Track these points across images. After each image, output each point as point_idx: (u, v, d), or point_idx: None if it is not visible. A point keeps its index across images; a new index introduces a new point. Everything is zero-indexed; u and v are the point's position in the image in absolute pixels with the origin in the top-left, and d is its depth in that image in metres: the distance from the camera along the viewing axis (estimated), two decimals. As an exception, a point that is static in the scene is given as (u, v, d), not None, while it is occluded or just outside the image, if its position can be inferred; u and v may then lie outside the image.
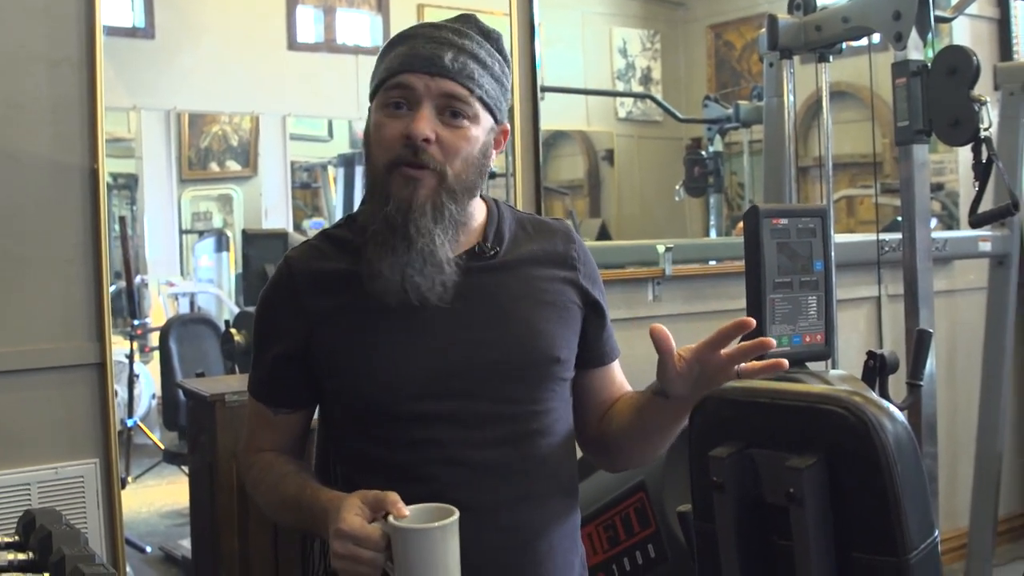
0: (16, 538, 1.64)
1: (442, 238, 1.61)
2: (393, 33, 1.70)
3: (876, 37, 3.13)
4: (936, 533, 1.21)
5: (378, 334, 1.64)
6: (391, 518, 1.42)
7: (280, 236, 4.24)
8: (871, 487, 1.19)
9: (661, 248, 3.55)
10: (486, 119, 1.65)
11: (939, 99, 2.85)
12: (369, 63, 1.73)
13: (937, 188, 4.77)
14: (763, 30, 3.30)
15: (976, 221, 2.84)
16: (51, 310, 2.59)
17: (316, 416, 1.84)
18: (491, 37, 1.69)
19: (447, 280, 1.62)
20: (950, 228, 4.64)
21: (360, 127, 4.39)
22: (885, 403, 1.23)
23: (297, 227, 4.84)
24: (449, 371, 1.64)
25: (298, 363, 1.69)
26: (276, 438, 1.78)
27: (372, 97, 1.67)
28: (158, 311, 4.80)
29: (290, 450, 1.79)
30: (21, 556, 1.56)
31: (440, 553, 1.39)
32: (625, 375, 1.90)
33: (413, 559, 1.39)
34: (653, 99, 5.03)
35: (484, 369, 1.65)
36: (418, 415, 1.63)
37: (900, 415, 1.21)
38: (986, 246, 4.09)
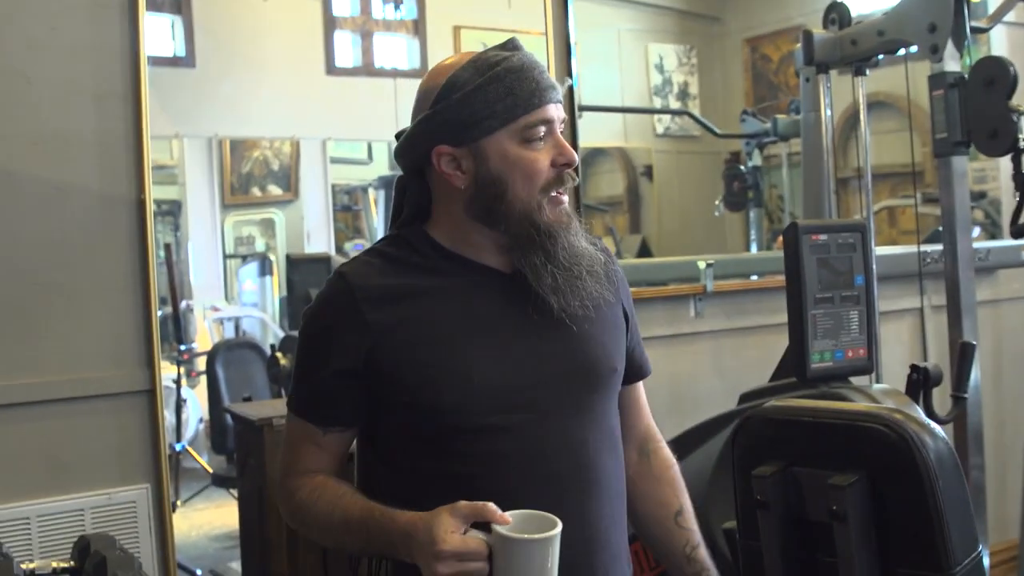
0: (72, 563, 1.68)
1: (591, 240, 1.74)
2: (431, 56, 1.73)
3: (913, 48, 3.13)
4: (980, 548, 1.21)
5: (452, 348, 1.65)
6: (495, 527, 1.41)
7: (323, 260, 4.28)
8: (913, 503, 1.19)
9: (702, 264, 3.55)
10: None
11: (977, 110, 2.84)
12: (407, 85, 1.74)
13: (979, 196, 4.74)
14: (799, 45, 3.30)
15: (1017, 231, 2.82)
16: (101, 339, 2.63)
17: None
18: None
19: (608, 277, 1.74)
20: (994, 236, 4.61)
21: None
22: (926, 419, 1.23)
23: (339, 250, 4.86)
24: (519, 384, 1.66)
25: (356, 379, 1.67)
26: (324, 459, 1.74)
27: (488, 132, 1.65)
28: (204, 336, 4.84)
29: (336, 472, 1.76)
30: (78, 582, 1.59)
31: (545, 562, 1.39)
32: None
33: (518, 568, 1.39)
34: (691, 115, 5.03)
35: (552, 380, 1.68)
36: (489, 428, 1.64)
37: (941, 431, 1.22)
38: (1030, 255, 4.06)
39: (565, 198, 1.69)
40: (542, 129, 1.65)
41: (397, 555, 1.57)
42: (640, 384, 1.95)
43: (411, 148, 1.71)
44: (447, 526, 1.44)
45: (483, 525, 1.45)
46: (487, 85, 1.63)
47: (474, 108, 1.64)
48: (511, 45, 1.70)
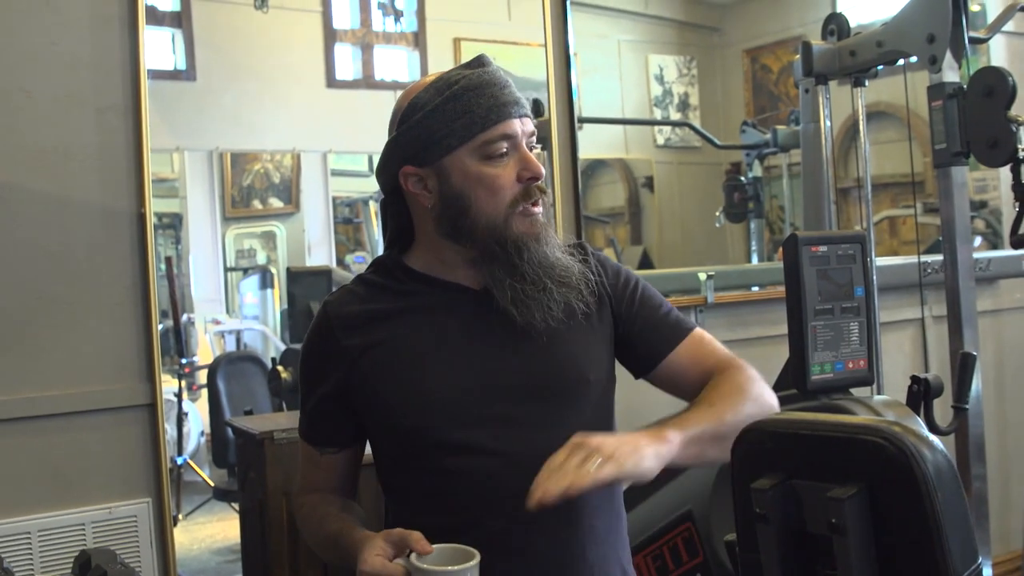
0: (73, 579, 1.68)
1: (565, 250, 1.76)
2: (431, 68, 1.75)
3: (912, 58, 3.13)
4: (980, 560, 1.20)
5: (415, 367, 1.70)
6: (414, 556, 1.46)
7: (324, 273, 4.28)
8: (912, 516, 1.19)
9: (703, 276, 3.55)
10: None
11: (976, 120, 2.84)
12: (409, 98, 1.75)
13: (980, 206, 4.74)
14: (798, 56, 3.31)
15: (1017, 242, 2.82)
16: (102, 352, 2.64)
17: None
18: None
19: (584, 284, 1.74)
20: (994, 247, 4.61)
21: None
22: (925, 432, 1.23)
23: (340, 262, 4.87)
24: (480, 399, 1.68)
25: (340, 402, 1.76)
26: (325, 477, 1.84)
27: (448, 151, 1.67)
28: (205, 349, 4.84)
29: (340, 489, 1.84)
30: (78, 597, 1.59)
31: None
32: (669, 402, 1.88)
33: None
34: (691, 126, 5.04)
35: (516, 394, 1.70)
36: (453, 444, 1.67)
37: (940, 444, 1.21)
38: (1031, 265, 4.06)
39: (537, 210, 1.70)
40: (504, 145, 1.67)
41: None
42: (681, 351, 1.83)
43: (383, 169, 1.77)
44: (375, 549, 1.51)
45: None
46: (444, 104, 1.66)
47: (433, 128, 1.67)
48: (477, 63, 1.72)
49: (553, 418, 1.71)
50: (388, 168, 1.74)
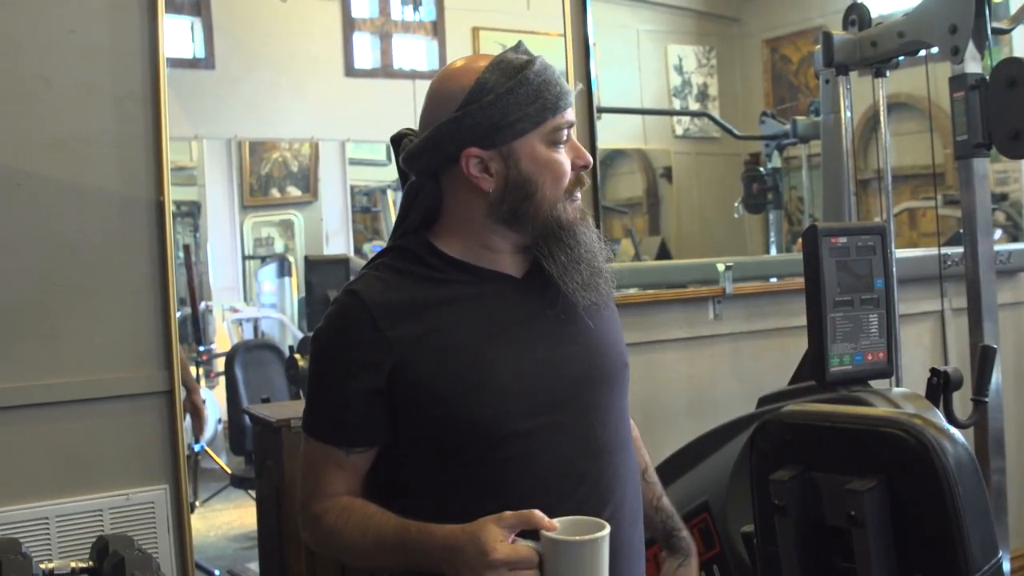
0: (90, 563, 1.68)
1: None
2: (450, 58, 1.74)
3: (934, 49, 3.11)
4: (1000, 554, 1.20)
5: (477, 357, 1.65)
6: (543, 533, 1.41)
7: (341, 261, 4.29)
8: (932, 508, 1.18)
9: (721, 266, 3.54)
10: None
11: (999, 112, 2.82)
12: (426, 87, 1.74)
13: (1001, 198, 4.71)
14: (818, 46, 3.29)
15: (1039, 234, 2.80)
16: (120, 340, 2.65)
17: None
18: None
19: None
20: (1015, 239, 4.58)
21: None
22: (945, 424, 1.22)
23: (358, 251, 4.88)
24: (544, 387, 1.66)
25: (380, 397, 1.66)
26: (348, 480, 1.71)
27: (520, 134, 1.66)
28: (222, 337, 4.86)
29: (359, 493, 1.73)
30: (95, 583, 1.59)
31: (592, 566, 1.39)
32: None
33: (570, 573, 1.39)
34: (710, 117, 5.02)
35: (573, 381, 1.69)
36: (520, 433, 1.64)
37: (960, 436, 1.21)
38: (1052, 257, 4.03)
39: (579, 197, 1.73)
40: (566, 132, 1.68)
41: (436, 570, 1.54)
42: None
43: (434, 151, 1.69)
44: (495, 535, 1.44)
45: (529, 534, 1.45)
46: (517, 88, 1.64)
47: (506, 110, 1.64)
48: (523, 48, 1.72)
49: (607, 403, 1.73)
50: (443, 149, 1.68)
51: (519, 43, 1.73)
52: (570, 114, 1.69)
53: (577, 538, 1.38)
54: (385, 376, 1.64)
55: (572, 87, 1.71)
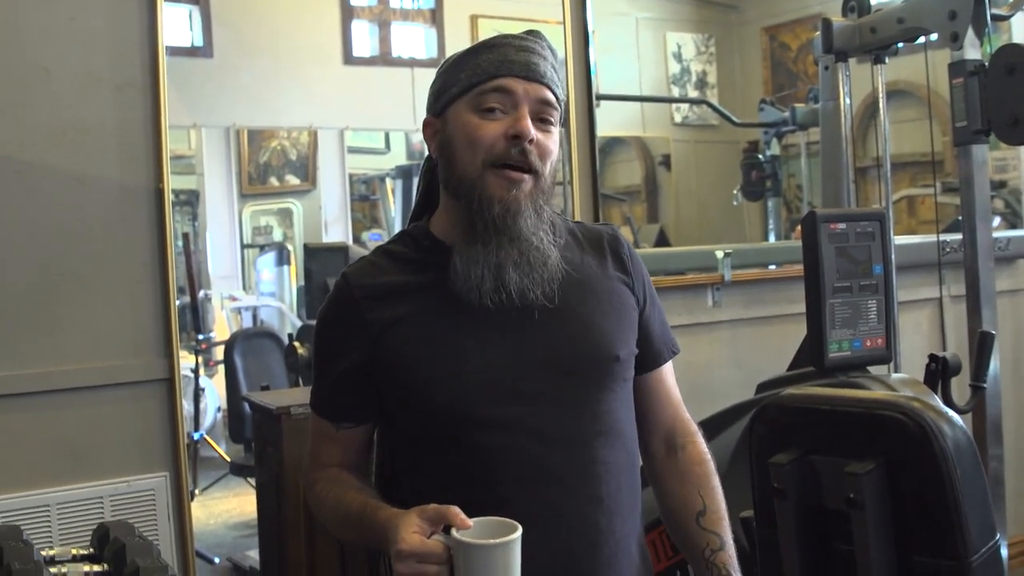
0: (91, 550, 1.68)
1: (550, 238, 1.66)
2: (448, 45, 1.75)
3: (933, 35, 3.11)
4: (998, 537, 1.20)
5: (445, 342, 1.66)
6: (454, 531, 1.41)
7: (340, 249, 4.29)
8: (931, 491, 1.19)
9: (720, 254, 3.55)
10: (559, 128, 1.70)
11: (998, 98, 2.82)
12: (425, 75, 1.76)
13: (999, 185, 4.71)
14: (817, 33, 3.29)
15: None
16: (120, 328, 2.65)
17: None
18: (556, 54, 1.73)
19: (554, 279, 1.66)
20: (1014, 226, 4.58)
21: (418, 138, 4.42)
22: (944, 408, 1.23)
23: (356, 239, 4.88)
24: (515, 375, 1.65)
25: (362, 377, 1.71)
26: (340, 453, 1.78)
27: (452, 101, 1.67)
28: (221, 325, 4.86)
29: (354, 465, 1.79)
30: (96, 568, 1.59)
31: (503, 569, 1.38)
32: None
33: (477, 573, 1.38)
34: (709, 104, 5.02)
35: (548, 371, 1.67)
36: (485, 420, 1.64)
37: (959, 420, 1.21)
38: (1050, 244, 4.04)
39: (520, 178, 1.62)
40: (495, 98, 1.63)
41: (384, 549, 1.57)
42: (662, 371, 1.87)
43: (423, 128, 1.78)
44: (411, 526, 1.45)
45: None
46: (462, 58, 1.68)
47: (447, 79, 1.69)
48: (533, 33, 1.72)
49: (584, 396, 1.69)
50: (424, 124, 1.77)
51: (531, 31, 1.73)
52: (513, 84, 1.63)
53: (480, 541, 1.38)
54: (366, 357, 1.69)
55: (535, 64, 1.65)
